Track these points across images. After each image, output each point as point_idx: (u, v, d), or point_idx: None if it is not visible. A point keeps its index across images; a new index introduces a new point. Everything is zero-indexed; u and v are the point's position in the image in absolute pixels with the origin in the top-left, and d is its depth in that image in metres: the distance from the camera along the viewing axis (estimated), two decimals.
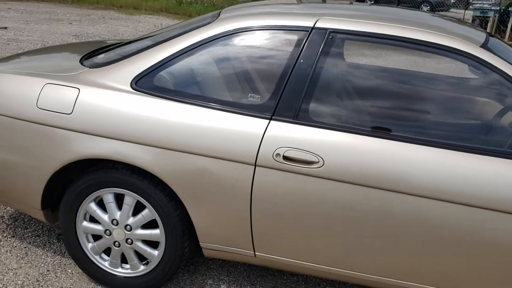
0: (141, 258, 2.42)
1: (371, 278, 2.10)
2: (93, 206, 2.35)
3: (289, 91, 2.07)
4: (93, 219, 2.40)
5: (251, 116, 2.08)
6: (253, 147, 2.04)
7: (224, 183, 2.10)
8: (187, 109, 2.13)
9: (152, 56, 2.25)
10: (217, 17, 2.33)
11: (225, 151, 2.07)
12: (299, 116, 2.04)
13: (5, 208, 3.08)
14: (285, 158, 2.01)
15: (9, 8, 12.28)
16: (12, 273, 2.50)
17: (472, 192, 1.86)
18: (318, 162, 1.98)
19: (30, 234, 2.85)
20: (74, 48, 3.02)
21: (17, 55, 2.88)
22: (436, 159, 1.91)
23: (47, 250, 2.71)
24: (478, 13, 12.96)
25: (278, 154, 2.01)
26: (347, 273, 2.12)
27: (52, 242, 2.79)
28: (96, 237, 2.44)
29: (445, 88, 2.20)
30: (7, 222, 2.94)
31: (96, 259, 2.45)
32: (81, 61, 2.54)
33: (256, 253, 2.21)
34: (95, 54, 2.66)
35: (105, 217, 2.34)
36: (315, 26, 2.12)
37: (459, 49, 2.00)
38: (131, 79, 2.23)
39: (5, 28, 9.37)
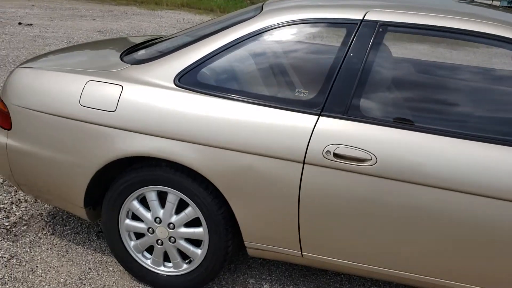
0: (184, 256, 2.38)
1: (422, 279, 2.03)
2: (136, 204, 2.32)
3: (339, 86, 2.00)
4: (135, 217, 2.37)
5: (299, 112, 2.02)
6: (302, 144, 1.99)
7: (270, 181, 2.05)
8: (232, 106, 2.08)
9: (195, 52, 2.20)
10: (261, 11, 2.27)
11: (272, 148, 2.02)
12: (349, 112, 1.98)
13: (43, 205, 3.08)
14: (336, 155, 1.95)
15: (32, 5, 12.38)
16: (54, 271, 2.49)
17: None
18: (371, 159, 1.92)
19: (69, 231, 2.85)
20: (109, 44, 3.00)
21: (52, 52, 2.87)
22: (504, 158, 1.83)
23: (87, 248, 2.70)
24: (505, 4, 12.67)
25: (328, 151, 1.96)
26: (397, 273, 2.05)
27: (91, 240, 2.78)
28: (139, 235, 2.41)
29: (502, 82, 2.11)
30: (46, 219, 2.94)
31: (139, 257, 2.42)
32: (121, 58, 2.51)
33: (303, 253, 2.16)
34: (135, 50, 2.63)
35: (148, 215, 2.31)
36: (365, 18, 2.05)
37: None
38: (174, 75, 2.19)
39: (31, 25, 9.44)
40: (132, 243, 2.41)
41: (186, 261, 2.38)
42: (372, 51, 2.00)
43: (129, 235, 2.41)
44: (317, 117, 2.00)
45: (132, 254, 2.42)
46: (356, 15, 2.07)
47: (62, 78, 2.33)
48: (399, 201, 1.91)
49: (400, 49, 2.44)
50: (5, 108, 2.42)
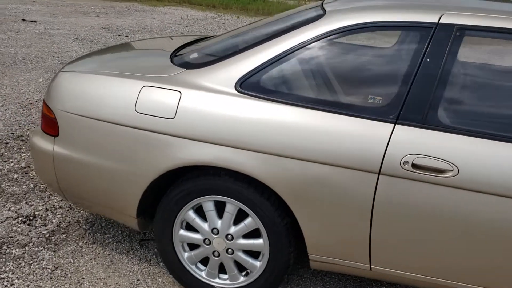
0: (240, 268, 2.29)
1: None
2: (191, 214, 2.22)
3: (416, 93, 1.92)
4: (190, 228, 2.28)
5: (373, 120, 1.93)
6: (378, 154, 1.90)
7: (342, 192, 1.96)
8: (299, 113, 1.99)
9: (256, 56, 2.10)
10: (324, 12, 2.17)
11: (344, 158, 1.93)
12: (427, 120, 1.89)
13: (79, 212, 2.97)
14: (415, 166, 1.87)
15: (33, 1, 12.18)
16: (102, 283, 2.39)
17: None
18: (452, 170, 1.83)
19: (110, 240, 2.74)
20: (149, 45, 2.89)
21: (92, 54, 2.76)
22: None
23: (132, 258, 2.60)
24: None
25: (406, 162, 1.87)
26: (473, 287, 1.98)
27: (135, 249, 2.68)
28: (193, 246, 2.32)
29: None
30: (84, 227, 2.83)
31: (192, 268, 2.33)
32: (171, 60, 2.40)
33: (372, 266, 2.07)
34: (183, 53, 2.53)
35: (204, 225, 2.22)
36: (440, 22, 1.95)
37: None
38: (236, 81, 2.09)
39: (34, 21, 9.27)
40: (186, 254, 2.32)
41: (243, 273, 2.29)
42: (449, 56, 1.92)
43: (182, 246, 2.31)
44: (393, 125, 1.91)
45: (186, 266, 2.33)
46: (431, 18, 1.97)
47: (114, 82, 2.22)
48: (481, 213, 1.83)
49: (474, 54, 2.35)
50: (52, 114, 2.31)
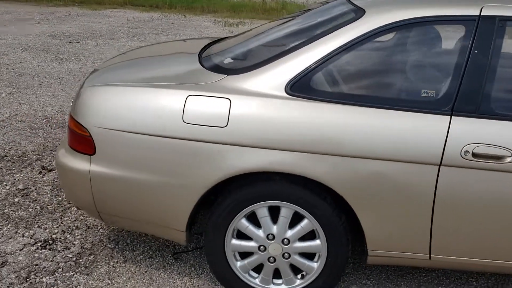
0: (295, 271, 2.28)
1: None
2: (244, 222, 2.19)
3: (467, 84, 1.98)
4: (242, 236, 2.23)
5: (429, 113, 1.98)
6: (438, 146, 1.95)
7: (403, 186, 2.00)
8: (354, 111, 2.01)
9: (303, 58, 2.09)
10: (363, 11, 2.17)
11: (404, 153, 1.97)
12: (480, 110, 1.97)
13: (98, 230, 2.84)
14: (474, 155, 1.94)
15: None
16: None
17: None
18: (511, 156, 1.92)
19: (141, 256, 2.64)
20: (167, 50, 2.81)
21: (110, 64, 2.64)
22: None
23: (170, 272, 2.53)
24: None
25: (467, 152, 1.94)
26: None
27: (170, 263, 2.60)
28: (244, 254, 2.28)
29: None
30: (109, 245, 2.71)
31: (246, 277, 2.30)
32: (203, 66, 2.34)
33: (431, 255, 2.13)
34: (210, 57, 2.47)
35: (259, 232, 2.19)
36: (482, 14, 2.03)
37: None
38: (285, 84, 2.08)
39: None
40: (239, 263, 2.28)
41: (299, 276, 2.28)
42: (495, 47, 2.00)
43: (234, 256, 2.27)
44: (449, 117, 1.97)
45: (239, 275, 2.29)
46: (472, 11, 2.05)
47: (154, 94, 2.14)
48: None
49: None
50: (85, 132, 2.19)
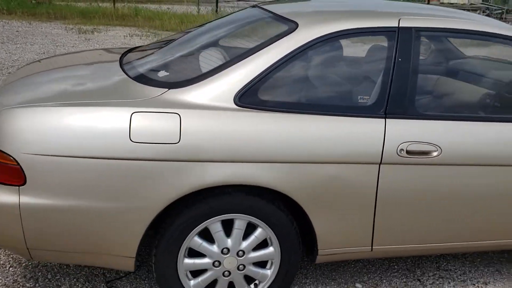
0: (248, 282, 2.29)
1: (480, 244, 2.40)
2: (197, 239, 2.14)
3: (395, 89, 2.19)
4: (193, 254, 2.17)
5: (367, 117, 2.15)
6: (378, 146, 2.13)
7: (349, 187, 2.14)
8: (302, 119, 2.09)
9: (247, 70, 2.10)
10: (294, 24, 2.25)
11: (349, 155, 2.11)
12: (409, 111, 2.19)
13: (10, 266, 2.51)
14: (408, 152, 2.15)
15: None
16: None
17: None
18: (437, 151, 2.17)
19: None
20: (71, 62, 2.60)
21: (10, 80, 2.36)
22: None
23: None
24: None
25: (402, 150, 2.14)
26: (459, 244, 2.38)
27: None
28: (196, 273, 2.22)
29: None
30: (28, 284, 2.42)
31: None
32: (135, 80, 2.22)
33: (373, 247, 2.31)
34: (137, 69, 2.35)
35: (213, 248, 2.15)
36: (400, 25, 2.26)
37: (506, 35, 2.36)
38: (233, 95, 2.07)
39: None
40: (192, 282, 2.21)
41: (252, 286, 2.29)
42: (414, 54, 2.24)
43: (186, 275, 2.20)
44: (384, 119, 2.16)
45: None
46: (392, 23, 2.26)
47: (92, 113, 1.97)
48: (464, 181, 2.22)
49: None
50: (10, 160, 1.93)
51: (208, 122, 2.01)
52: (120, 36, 9.77)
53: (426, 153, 2.17)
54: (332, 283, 2.61)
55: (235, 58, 2.16)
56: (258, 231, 2.18)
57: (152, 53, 2.62)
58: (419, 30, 2.27)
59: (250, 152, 2.02)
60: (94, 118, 1.96)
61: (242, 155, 2.01)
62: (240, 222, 2.14)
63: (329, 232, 2.21)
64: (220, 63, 2.19)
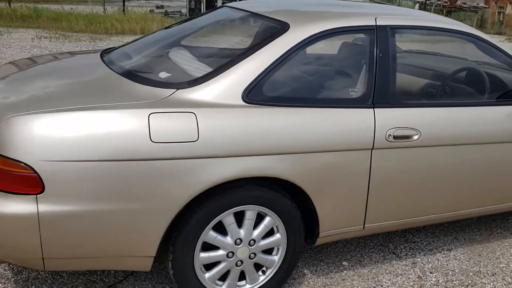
0: (257, 269, 2.41)
1: (457, 213, 2.75)
2: (212, 233, 2.22)
3: (379, 81, 2.42)
4: (208, 248, 2.25)
5: (359, 107, 2.36)
6: (370, 133, 2.35)
7: (347, 172, 2.35)
8: (304, 112, 2.25)
9: (250, 68, 2.21)
10: (285, 23, 2.40)
11: (346, 143, 2.31)
12: (391, 100, 2.44)
13: (8, 284, 2.40)
14: (395, 137, 2.40)
15: None
16: None
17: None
18: (417, 134, 2.45)
19: None
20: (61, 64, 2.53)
21: (16, 89, 2.26)
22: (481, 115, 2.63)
23: None
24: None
25: (390, 135, 2.39)
26: (436, 216, 2.68)
27: None
28: (209, 266, 2.29)
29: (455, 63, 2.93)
30: None
31: (213, 287, 2.31)
32: (137, 82, 2.24)
33: (365, 225, 2.54)
34: (133, 71, 2.36)
35: (227, 239, 2.25)
36: (377, 24, 2.50)
37: (466, 31, 2.72)
38: (241, 93, 2.18)
39: None
40: (207, 275, 2.28)
41: (260, 272, 2.41)
42: (392, 49, 2.49)
43: (201, 269, 2.27)
44: (372, 109, 2.39)
45: (208, 287, 2.29)
46: (370, 22, 2.50)
47: (109, 116, 1.97)
48: (443, 160, 2.52)
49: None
50: (26, 169, 1.88)
51: (222, 119, 2.09)
52: (27, 39, 9.20)
53: (408, 137, 2.43)
54: (321, 263, 2.81)
55: (236, 57, 2.26)
56: (267, 219, 2.30)
57: (139, 54, 2.63)
58: (393, 27, 2.53)
59: (262, 146, 2.13)
60: (112, 120, 1.96)
61: (255, 149, 2.12)
62: (251, 213, 2.25)
63: (329, 215, 2.40)
64: (221, 62, 2.27)
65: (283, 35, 2.33)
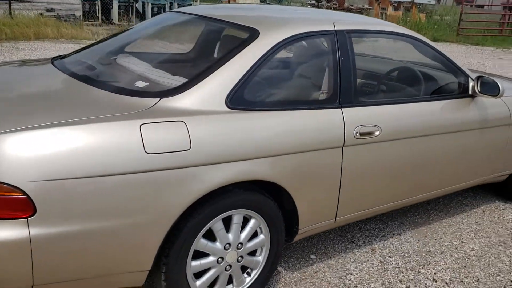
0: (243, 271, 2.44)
1: (417, 197, 3.02)
2: (203, 241, 2.21)
3: (343, 82, 2.57)
4: (197, 255, 2.24)
5: (329, 108, 2.49)
6: (341, 132, 2.49)
7: (322, 169, 2.47)
8: (281, 115, 2.33)
9: (229, 74, 2.23)
10: (253, 29, 2.45)
11: (320, 142, 2.43)
12: (354, 100, 2.60)
13: None
14: (361, 134, 2.57)
15: None
16: None
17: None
18: (378, 130, 2.64)
19: None
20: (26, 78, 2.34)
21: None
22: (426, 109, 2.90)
23: None
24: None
25: (357, 132, 2.55)
26: (402, 201, 2.91)
27: None
28: (197, 274, 2.28)
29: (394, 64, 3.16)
30: None
31: None
32: (113, 91, 2.17)
33: (336, 218, 2.68)
34: (104, 80, 2.27)
35: (217, 245, 2.26)
36: (336, 29, 2.65)
37: (405, 33, 2.97)
38: (224, 99, 2.19)
39: None
40: (198, 283, 2.27)
41: (245, 275, 2.45)
42: (351, 52, 2.65)
43: (192, 278, 2.25)
44: (340, 109, 2.53)
45: None
46: (329, 27, 2.63)
47: (96, 130, 1.89)
48: (402, 152, 2.74)
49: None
50: (14, 192, 1.75)
51: (212, 126, 2.10)
52: None
53: (371, 133, 2.61)
54: (292, 259, 2.90)
55: (212, 65, 2.27)
56: (252, 222, 2.34)
57: (102, 62, 2.52)
58: (349, 32, 2.69)
59: (248, 150, 2.17)
60: (102, 133, 1.88)
61: (243, 153, 2.16)
62: (237, 217, 2.28)
63: (307, 212, 2.50)
64: (201, 70, 2.27)
65: (254, 41, 2.38)
